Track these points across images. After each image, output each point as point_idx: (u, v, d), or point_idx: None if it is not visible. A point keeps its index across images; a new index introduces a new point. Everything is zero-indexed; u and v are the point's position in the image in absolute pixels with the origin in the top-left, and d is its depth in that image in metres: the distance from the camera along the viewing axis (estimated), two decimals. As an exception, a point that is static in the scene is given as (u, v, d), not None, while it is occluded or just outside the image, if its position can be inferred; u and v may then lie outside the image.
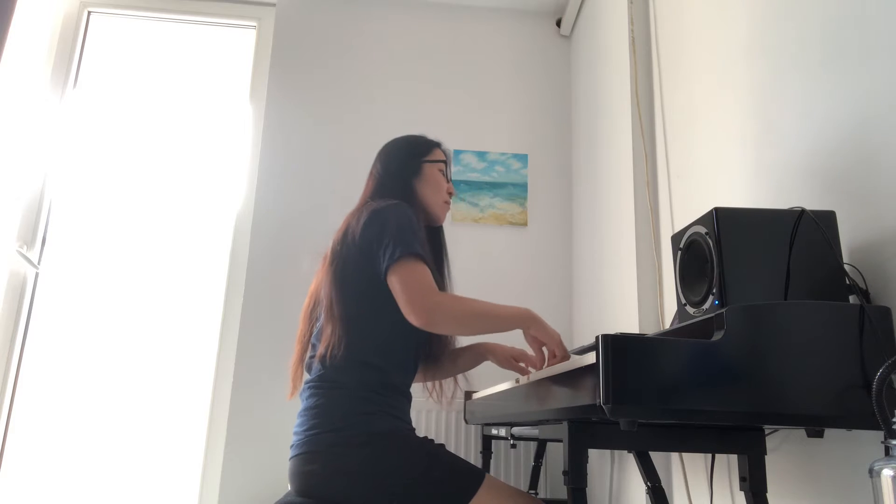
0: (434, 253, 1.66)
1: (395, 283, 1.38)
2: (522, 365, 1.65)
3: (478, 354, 1.73)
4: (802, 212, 1.07)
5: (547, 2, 3.07)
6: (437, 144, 1.72)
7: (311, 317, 1.59)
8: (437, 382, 1.76)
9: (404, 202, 1.52)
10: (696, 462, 1.67)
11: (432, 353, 1.69)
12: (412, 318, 1.34)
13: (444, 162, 1.68)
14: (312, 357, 1.49)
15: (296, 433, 1.43)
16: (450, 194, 1.69)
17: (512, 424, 1.64)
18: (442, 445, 1.42)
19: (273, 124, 2.85)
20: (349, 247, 1.48)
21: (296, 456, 1.40)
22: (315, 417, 1.40)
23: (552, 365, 1.32)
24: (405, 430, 1.44)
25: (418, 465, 1.35)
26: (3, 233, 2.45)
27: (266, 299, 2.65)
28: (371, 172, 1.69)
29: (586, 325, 2.59)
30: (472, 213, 2.83)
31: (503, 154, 2.92)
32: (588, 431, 1.07)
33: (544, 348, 1.43)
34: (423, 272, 1.38)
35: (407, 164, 1.65)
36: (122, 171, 2.90)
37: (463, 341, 1.77)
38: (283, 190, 2.78)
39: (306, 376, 1.51)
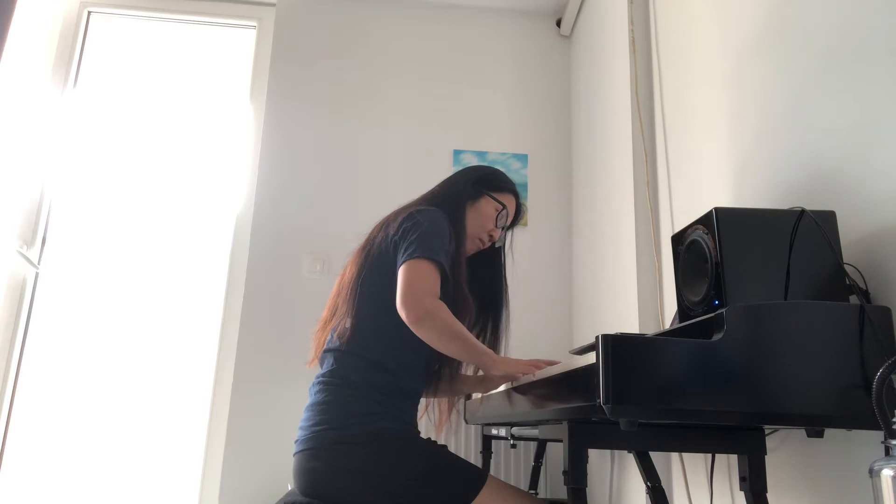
0: (490, 272, 1.74)
1: (400, 276, 1.39)
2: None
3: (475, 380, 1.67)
4: (802, 212, 1.07)
5: (547, 2, 3.07)
6: (511, 189, 1.72)
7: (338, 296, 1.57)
8: (431, 404, 1.72)
9: (445, 214, 1.54)
10: (696, 462, 1.67)
11: (444, 365, 1.63)
12: (403, 313, 1.35)
13: (504, 207, 1.67)
14: (326, 351, 1.50)
15: (301, 428, 1.44)
16: (491, 237, 1.67)
17: (512, 424, 1.64)
18: (444, 447, 1.42)
19: (273, 124, 2.85)
20: (382, 238, 1.50)
21: (300, 452, 1.40)
22: (321, 413, 1.40)
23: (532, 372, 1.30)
24: (409, 431, 1.44)
25: (420, 465, 1.35)
26: (3, 233, 2.45)
27: (266, 299, 2.65)
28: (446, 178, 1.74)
29: (586, 325, 2.59)
30: (472, 213, 2.82)
31: (503, 154, 2.92)
32: (588, 431, 1.07)
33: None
34: (431, 275, 1.38)
35: (470, 186, 1.66)
36: (122, 170, 2.90)
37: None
38: (283, 190, 2.78)
39: (318, 369, 1.52)
